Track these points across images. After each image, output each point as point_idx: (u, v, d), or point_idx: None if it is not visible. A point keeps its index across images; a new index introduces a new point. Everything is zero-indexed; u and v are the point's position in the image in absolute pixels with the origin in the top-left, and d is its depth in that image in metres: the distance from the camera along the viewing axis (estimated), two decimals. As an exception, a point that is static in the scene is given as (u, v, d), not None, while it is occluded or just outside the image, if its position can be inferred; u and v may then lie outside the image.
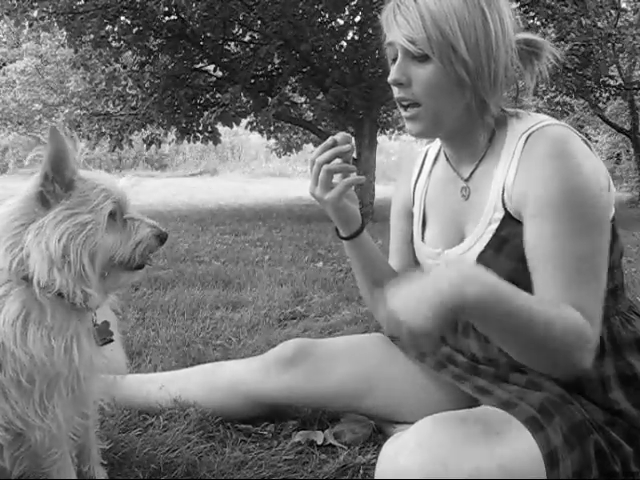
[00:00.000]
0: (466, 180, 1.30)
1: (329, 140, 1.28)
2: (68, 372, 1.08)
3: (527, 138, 1.18)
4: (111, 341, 1.18)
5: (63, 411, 1.09)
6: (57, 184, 1.07)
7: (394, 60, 1.21)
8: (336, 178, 1.31)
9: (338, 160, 1.28)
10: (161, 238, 1.18)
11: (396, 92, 1.22)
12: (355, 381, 1.53)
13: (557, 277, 1.14)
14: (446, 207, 1.36)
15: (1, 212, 1.10)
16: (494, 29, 1.15)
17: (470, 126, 1.24)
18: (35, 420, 1.07)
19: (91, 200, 1.09)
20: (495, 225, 1.23)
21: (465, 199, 1.31)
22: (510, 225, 1.21)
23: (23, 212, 1.08)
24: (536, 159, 1.15)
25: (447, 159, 1.37)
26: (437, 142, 1.45)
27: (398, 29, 1.17)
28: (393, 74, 1.20)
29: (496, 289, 1.03)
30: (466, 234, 1.30)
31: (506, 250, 1.22)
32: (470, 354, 1.37)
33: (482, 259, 1.24)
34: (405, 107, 1.23)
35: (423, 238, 1.42)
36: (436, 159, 1.42)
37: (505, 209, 1.21)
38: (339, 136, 1.29)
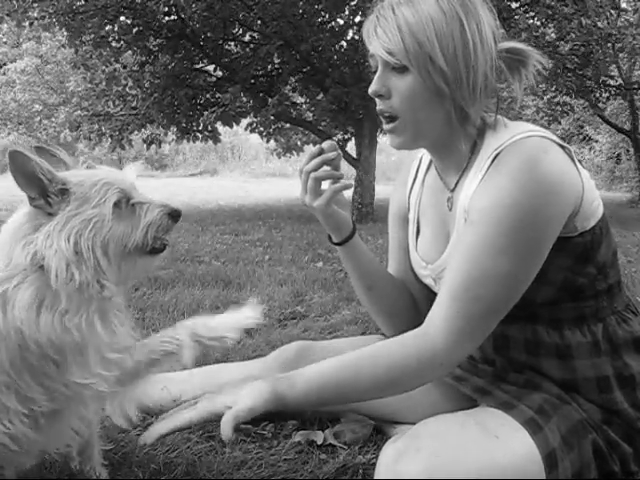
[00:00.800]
0: (452, 190, 1.30)
1: (315, 149, 1.30)
2: (98, 340, 1.10)
3: (495, 156, 1.17)
4: None
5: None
6: (51, 196, 1.09)
7: (375, 72, 1.22)
8: (325, 185, 1.32)
9: (326, 167, 1.30)
10: (173, 216, 1.19)
11: (378, 104, 1.23)
12: None
13: (455, 282, 1.14)
14: (435, 217, 1.36)
15: (14, 218, 1.14)
16: (472, 38, 1.14)
17: (451, 136, 1.23)
18: (83, 381, 1.09)
19: (92, 198, 1.11)
20: None
21: (450, 210, 1.31)
22: None
23: (31, 217, 1.11)
24: (499, 174, 1.14)
25: (435, 168, 1.37)
26: None
27: (377, 41, 1.18)
28: (373, 86, 1.21)
29: (310, 388, 1.15)
30: (447, 246, 1.31)
31: None
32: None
33: None
34: (387, 120, 1.23)
35: (416, 246, 1.42)
36: (429, 167, 1.42)
37: None
38: (326, 144, 1.30)
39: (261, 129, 10.21)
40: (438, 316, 1.13)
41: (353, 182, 1.52)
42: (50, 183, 1.09)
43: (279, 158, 13.37)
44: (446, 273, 1.18)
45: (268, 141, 11.28)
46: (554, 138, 1.17)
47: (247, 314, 1.22)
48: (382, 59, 1.18)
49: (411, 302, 1.51)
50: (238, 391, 1.15)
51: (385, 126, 1.24)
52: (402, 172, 1.53)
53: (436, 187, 1.36)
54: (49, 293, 1.08)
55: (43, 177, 1.08)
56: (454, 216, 1.28)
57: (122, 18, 8.23)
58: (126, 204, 1.15)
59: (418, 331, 1.15)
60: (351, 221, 1.41)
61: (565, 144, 1.18)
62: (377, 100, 1.22)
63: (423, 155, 1.45)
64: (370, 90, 1.22)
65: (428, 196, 1.40)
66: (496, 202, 1.11)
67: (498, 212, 1.11)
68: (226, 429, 1.08)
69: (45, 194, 1.09)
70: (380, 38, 1.17)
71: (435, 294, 1.38)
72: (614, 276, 1.26)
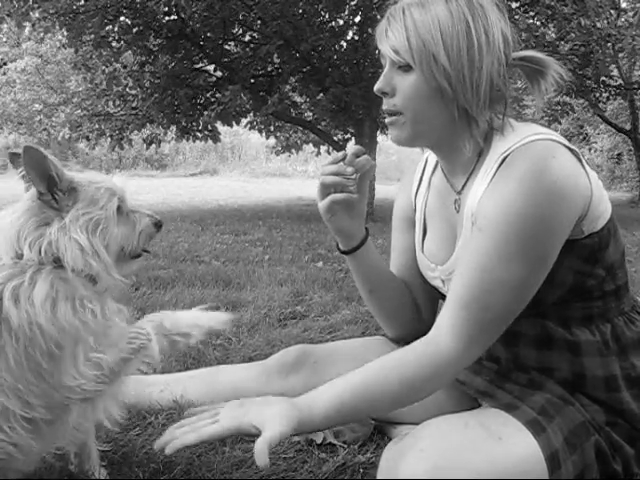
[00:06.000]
0: (459, 192, 1.30)
1: (340, 153, 1.30)
2: (100, 329, 1.14)
3: (503, 160, 1.16)
4: None
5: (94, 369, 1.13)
6: (58, 193, 1.15)
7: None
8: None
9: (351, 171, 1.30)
10: (158, 225, 1.30)
11: (384, 103, 1.24)
12: None
13: (465, 289, 1.14)
14: (442, 218, 1.36)
15: (10, 218, 1.16)
16: (477, 40, 1.15)
17: (455, 137, 1.23)
18: (71, 383, 1.10)
19: (99, 200, 1.19)
20: None
21: (457, 211, 1.31)
22: None
23: (35, 212, 1.15)
24: (507, 179, 1.14)
25: (442, 169, 1.37)
26: None
27: (386, 40, 1.20)
28: (378, 84, 1.23)
29: (329, 411, 1.13)
30: (455, 248, 1.31)
31: None
32: None
33: None
34: (389, 114, 1.24)
35: (423, 248, 1.42)
36: (435, 168, 1.42)
37: None
38: (350, 149, 1.31)
39: (261, 127, 10.22)
40: (447, 323, 1.14)
41: (357, 195, 1.48)
42: (60, 181, 1.15)
43: (277, 155, 13.37)
44: (454, 279, 1.18)
45: (267, 137, 11.29)
46: (562, 140, 1.17)
47: (216, 316, 1.23)
48: (389, 58, 1.20)
49: (411, 303, 1.51)
50: (261, 408, 1.14)
51: (387, 119, 1.25)
52: (406, 175, 1.53)
53: (443, 188, 1.36)
54: (63, 285, 1.12)
55: (55, 175, 1.13)
56: (462, 218, 1.28)
57: (122, 18, 8.24)
58: (123, 210, 1.24)
59: (428, 339, 1.16)
60: (363, 233, 1.41)
61: (573, 147, 1.18)
62: (383, 99, 1.24)
63: (428, 156, 1.45)
64: (375, 88, 1.23)
65: (434, 197, 1.40)
66: (504, 210, 1.11)
67: (506, 220, 1.11)
68: (262, 457, 1.05)
69: (52, 191, 1.15)
70: (389, 38, 1.20)
71: (442, 295, 1.38)
72: (622, 277, 1.26)
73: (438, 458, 1.03)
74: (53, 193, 1.14)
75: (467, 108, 1.17)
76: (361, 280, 1.47)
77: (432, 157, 1.44)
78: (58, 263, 1.13)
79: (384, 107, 1.24)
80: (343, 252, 1.43)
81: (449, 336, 1.13)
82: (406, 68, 1.18)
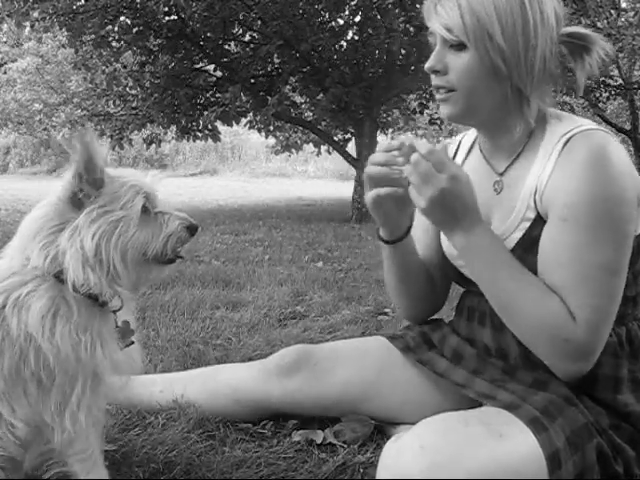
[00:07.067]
0: (500, 174, 1.30)
1: (395, 142, 1.22)
2: (91, 369, 1.08)
3: (567, 141, 1.17)
4: (132, 343, 1.19)
5: (86, 412, 1.09)
6: (88, 184, 1.08)
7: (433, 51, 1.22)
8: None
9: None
10: (191, 230, 1.18)
11: (433, 79, 1.23)
12: (356, 386, 1.52)
13: (565, 282, 1.15)
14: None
15: (35, 214, 1.12)
16: (532, 17, 1.14)
17: (506, 117, 1.23)
18: (54, 419, 1.07)
19: (122, 197, 1.10)
20: (527, 224, 1.22)
21: (497, 193, 1.30)
22: (541, 226, 1.20)
23: (58, 213, 1.10)
24: (574, 163, 1.15)
25: (481, 150, 1.36)
26: (472, 132, 1.44)
27: (437, 18, 1.18)
28: (430, 62, 1.21)
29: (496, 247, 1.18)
30: (501, 227, 1.29)
31: (535, 250, 1.21)
32: (482, 344, 1.37)
33: None
34: (442, 91, 1.22)
35: None
36: (470, 149, 1.41)
37: (537, 210, 1.21)
38: (405, 138, 1.22)
39: (260, 126, 10.22)
40: (579, 317, 1.14)
41: (403, 189, 1.39)
42: (91, 172, 1.08)
43: (277, 155, 13.35)
44: (555, 275, 1.17)
45: (267, 137, 11.28)
46: (615, 138, 1.19)
47: None
48: (441, 36, 1.18)
49: (433, 286, 1.50)
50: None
51: (438, 95, 1.23)
52: None
53: (480, 169, 1.35)
54: (64, 303, 1.07)
55: (102, 165, 1.08)
56: (503, 200, 1.27)
57: (122, 18, 8.23)
58: (150, 211, 1.14)
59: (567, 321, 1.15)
60: (408, 223, 1.38)
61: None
62: (432, 76, 1.22)
63: (462, 139, 1.45)
64: (426, 66, 1.22)
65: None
66: (588, 198, 1.12)
67: (593, 207, 1.12)
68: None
69: (81, 182, 1.08)
70: (440, 15, 1.18)
71: (461, 275, 1.38)
72: None
73: (437, 455, 1.02)
74: (86, 182, 1.07)
75: (521, 87, 1.17)
76: (394, 270, 1.44)
77: (467, 139, 1.43)
78: (60, 277, 1.08)
79: (435, 83, 1.22)
80: (385, 242, 1.40)
81: (582, 329, 1.14)
82: (459, 47, 1.17)
